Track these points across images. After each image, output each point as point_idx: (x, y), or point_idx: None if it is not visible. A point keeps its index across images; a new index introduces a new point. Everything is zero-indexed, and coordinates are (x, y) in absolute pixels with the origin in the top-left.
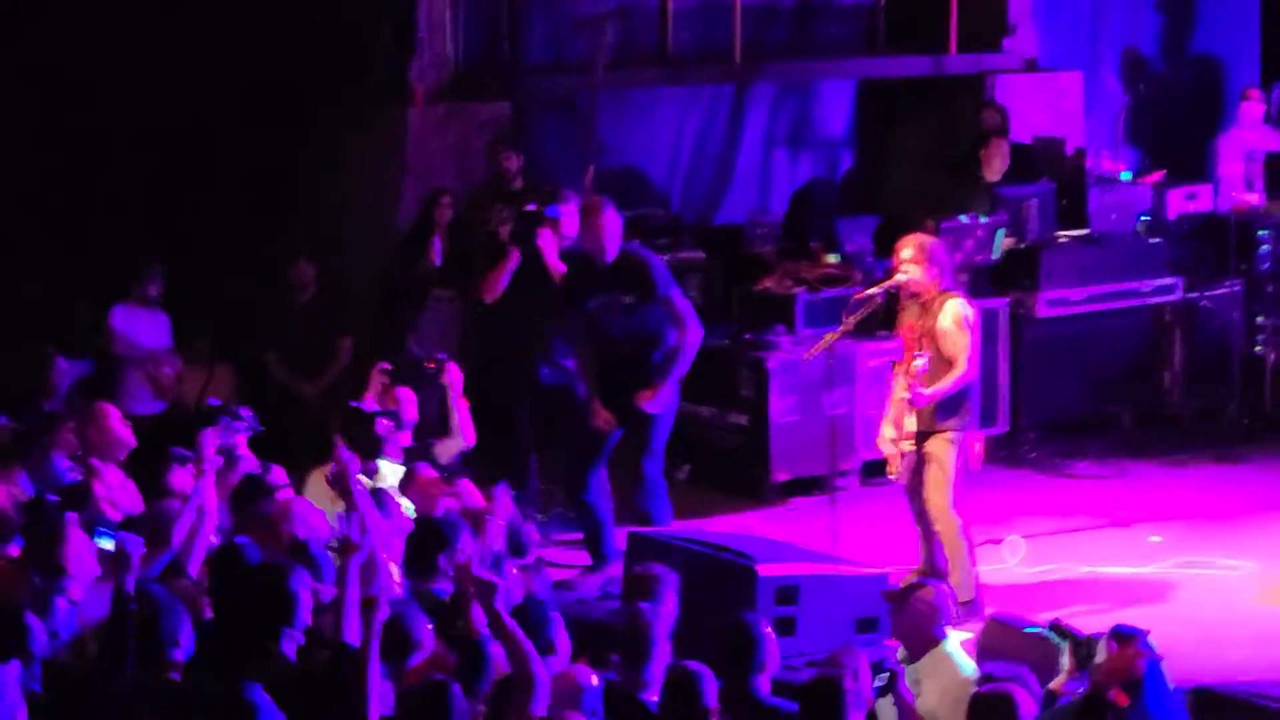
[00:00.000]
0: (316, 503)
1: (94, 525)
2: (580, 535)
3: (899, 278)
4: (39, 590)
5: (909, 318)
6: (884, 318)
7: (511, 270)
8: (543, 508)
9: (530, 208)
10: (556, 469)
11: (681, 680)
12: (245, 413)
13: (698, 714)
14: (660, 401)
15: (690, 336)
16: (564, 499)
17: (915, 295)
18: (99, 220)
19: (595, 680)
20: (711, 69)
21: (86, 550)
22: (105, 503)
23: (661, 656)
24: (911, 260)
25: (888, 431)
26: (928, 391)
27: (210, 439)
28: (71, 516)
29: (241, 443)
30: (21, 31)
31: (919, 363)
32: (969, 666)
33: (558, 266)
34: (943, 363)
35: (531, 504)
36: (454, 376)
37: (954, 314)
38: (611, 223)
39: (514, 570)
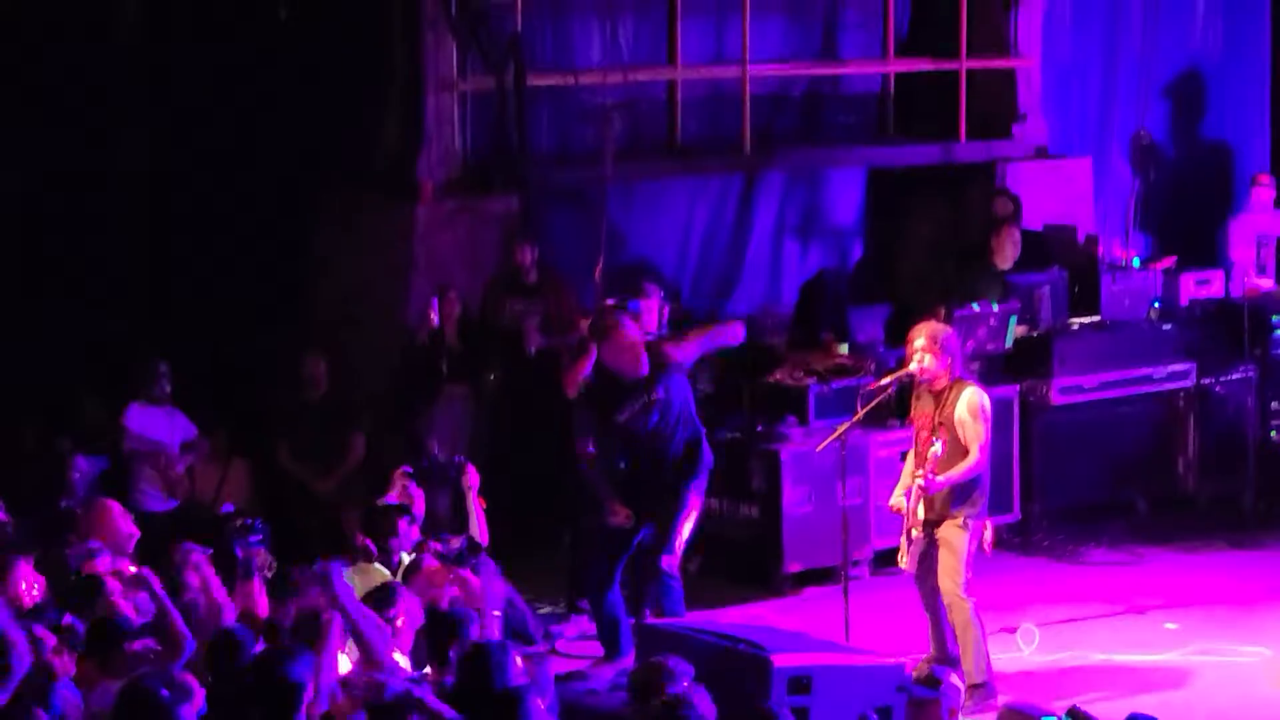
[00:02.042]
0: None
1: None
2: (594, 628)
3: (911, 367)
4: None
5: (922, 407)
6: (896, 408)
7: (590, 367)
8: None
9: (610, 302)
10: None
11: None
12: (259, 525)
13: None
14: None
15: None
16: (581, 591)
17: (928, 384)
18: (105, 315)
19: None
20: (720, 159)
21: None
22: (123, 599)
23: None
24: (924, 349)
25: (898, 495)
26: (941, 478)
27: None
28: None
29: (258, 555)
30: (31, 122)
31: (935, 449)
32: None
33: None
34: (958, 450)
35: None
36: (474, 479)
37: (969, 403)
38: (633, 335)
39: (519, 658)
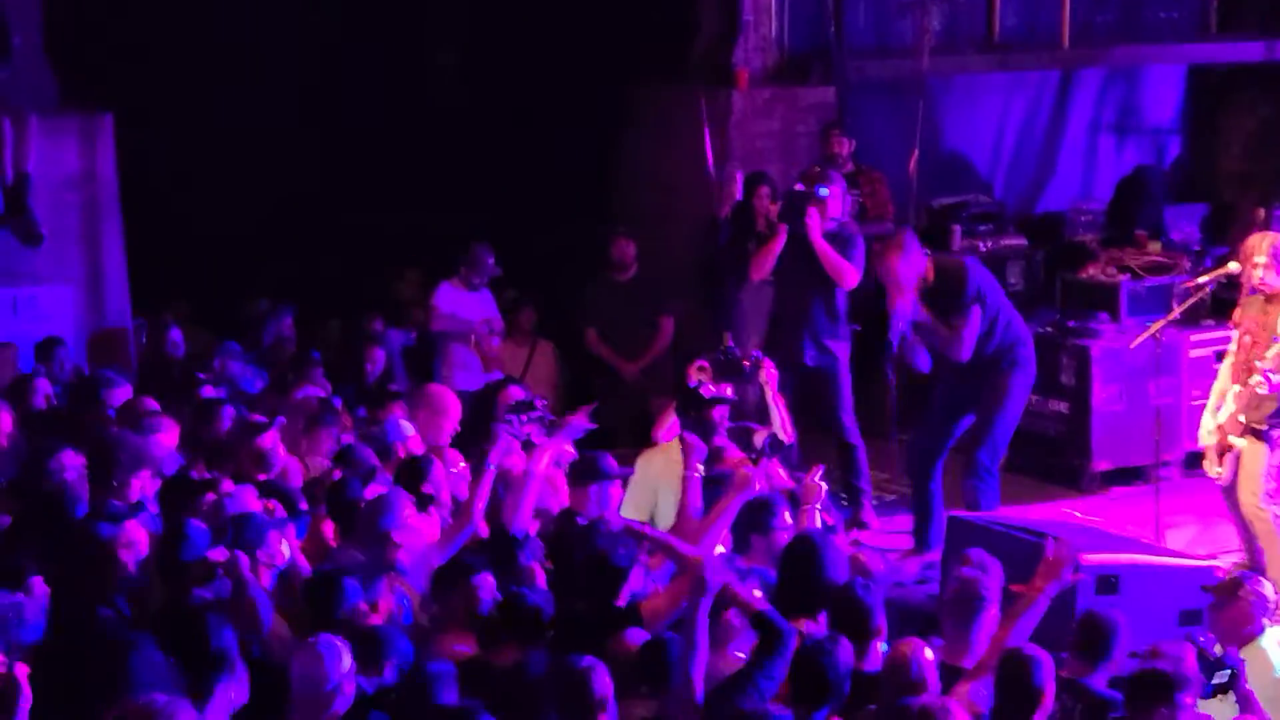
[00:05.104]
0: (644, 485)
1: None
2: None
3: (1231, 267)
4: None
5: (1251, 313)
6: (1212, 307)
7: (779, 250)
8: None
9: (798, 188)
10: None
11: (1017, 664)
12: (540, 403)
13: (1031, 695)
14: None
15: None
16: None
17: (1261, 291)
18: (430, 197)
19: (930, 654)
20: (1038, 54)
21: (415, 522)
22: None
23: (987, 628)
24: (1265, 265)
25: (1210, 423)
26: (1277, 379)
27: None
28: (396, 489)
29: (535, 433)
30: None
31: (1277, 348)
32: None
33: (824, 246)
34: None
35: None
36: (771, 373)
37: None
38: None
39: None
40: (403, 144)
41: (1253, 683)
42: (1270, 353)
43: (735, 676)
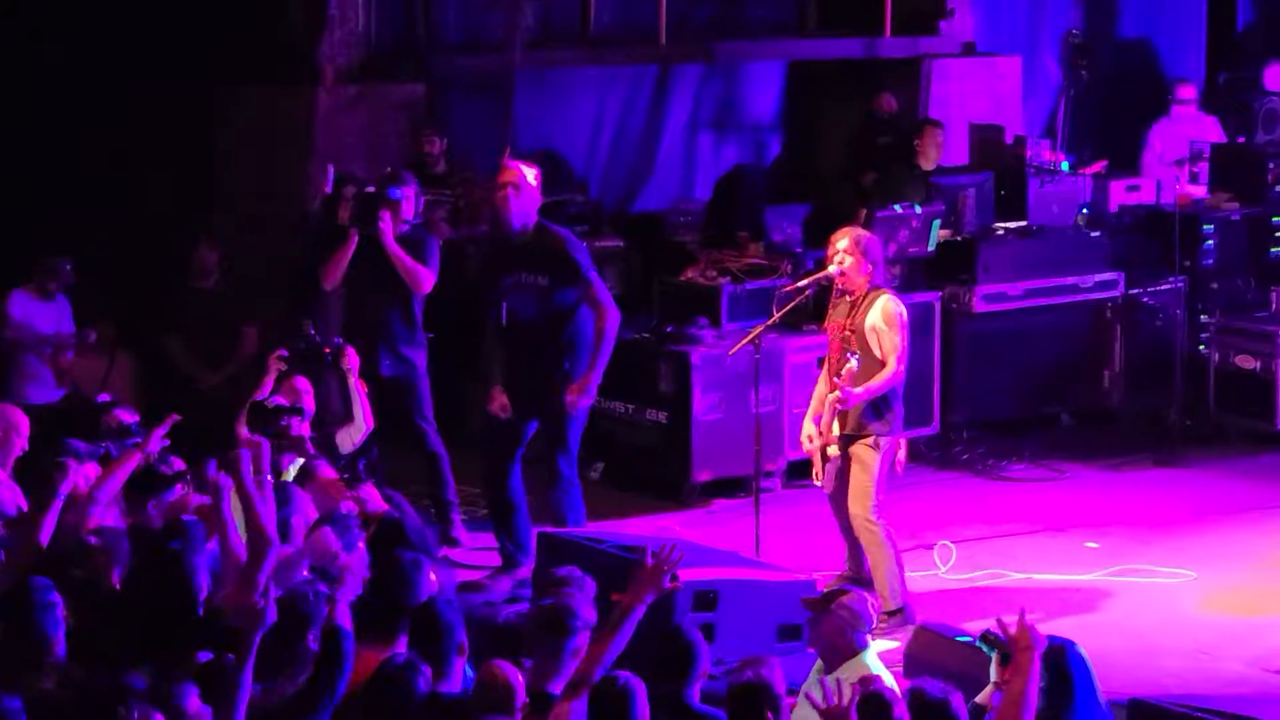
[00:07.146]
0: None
1: None
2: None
3: (830, 269)
4: None
5: (837, 315)
6: (813, 312)
7: (350, 256)
8: None
9: (370, 190)
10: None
11: (612, 696)
12: (135, 428)
13: None
14: (589, 396)
15: (609, 323)
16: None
17: (846, 292)
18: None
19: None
20: (634, 49)
21: None
22: None
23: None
24: (846, 252)
25: (809, 428)
26: (858, 390)
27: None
28: None
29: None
30: None
31: (851, 364)
32: (885, 678)
33: (397, 251)
34: (873, 362)
35: None
36: (353, 361)
37: (885, 311)
38: (526, 193)
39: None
40: None
41: None
42: (844, 369)
43: (299, 696)
